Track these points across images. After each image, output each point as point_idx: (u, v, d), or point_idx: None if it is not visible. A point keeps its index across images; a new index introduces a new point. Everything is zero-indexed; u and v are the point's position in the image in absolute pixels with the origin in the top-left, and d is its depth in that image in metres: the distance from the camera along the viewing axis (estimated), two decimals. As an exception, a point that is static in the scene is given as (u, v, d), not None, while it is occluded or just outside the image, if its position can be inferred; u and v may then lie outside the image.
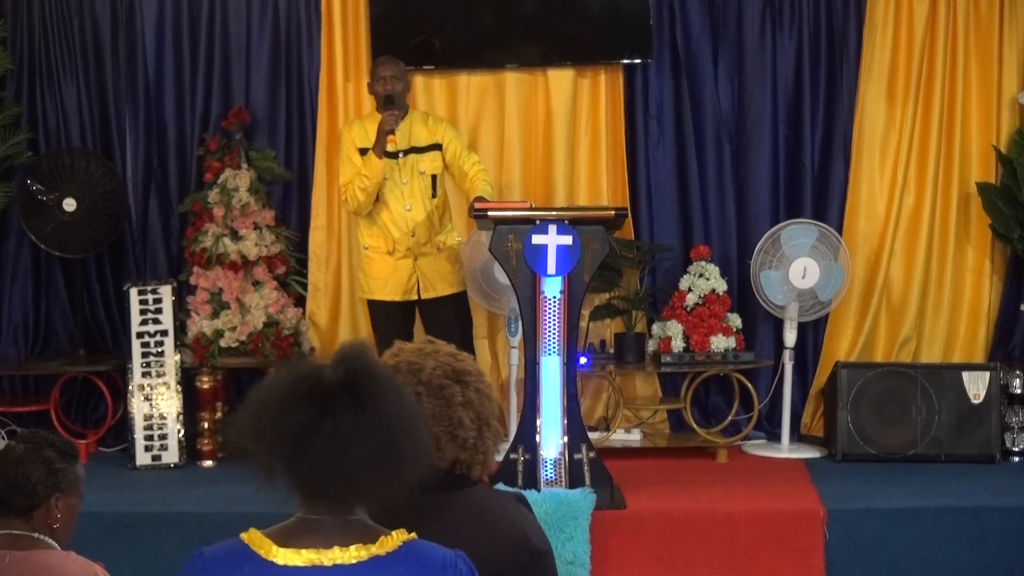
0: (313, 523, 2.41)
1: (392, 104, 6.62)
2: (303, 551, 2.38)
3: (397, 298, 6.79)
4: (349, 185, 6.66)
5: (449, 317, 6.81)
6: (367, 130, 6.72)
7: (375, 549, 2.39)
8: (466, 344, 6.82)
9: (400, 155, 6.71)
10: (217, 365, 7.24)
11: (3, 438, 7.46)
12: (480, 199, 6.39)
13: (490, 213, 6.17)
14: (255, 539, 2.41)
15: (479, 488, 3.01)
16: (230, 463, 7.26)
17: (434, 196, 6.78)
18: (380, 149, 6.56)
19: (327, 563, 2.37)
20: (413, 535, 2.44)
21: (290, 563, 2.37)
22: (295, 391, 2.37)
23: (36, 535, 3.54)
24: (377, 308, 6.86)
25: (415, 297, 6.79)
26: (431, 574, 2.42)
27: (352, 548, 2.38)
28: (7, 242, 7.78)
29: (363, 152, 6.66)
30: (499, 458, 6.38)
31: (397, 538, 2.41)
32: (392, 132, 6.55)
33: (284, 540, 2.40)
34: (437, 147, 6.79)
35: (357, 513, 2.44)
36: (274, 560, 2.38)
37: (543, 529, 3.08)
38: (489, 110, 7.68)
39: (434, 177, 6.78)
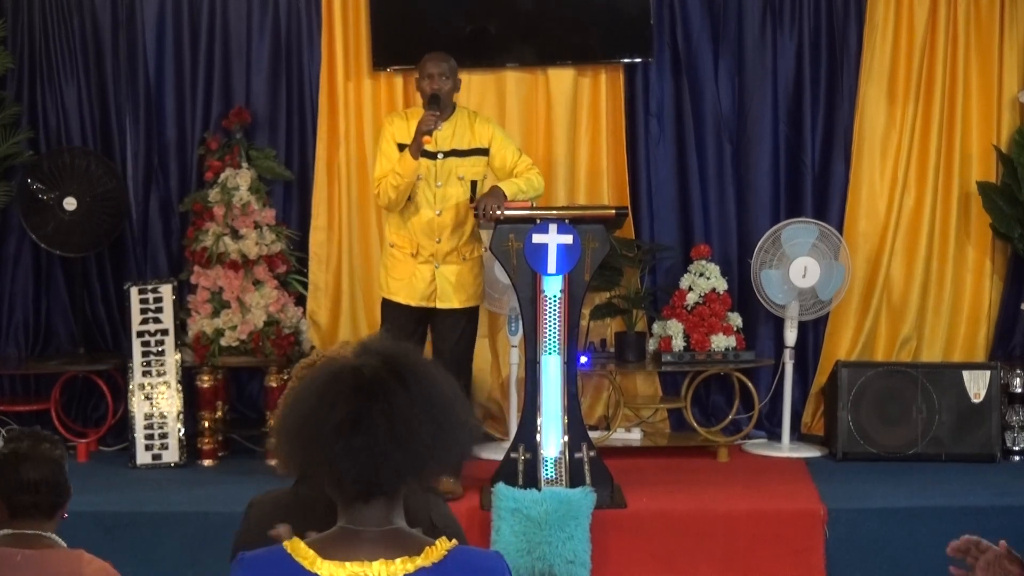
0: (356, 534, 2.39)
1: (437, 104, 6.35)
2: (347, 564, 2.35)
3: (413, 303, 6.52)
4: (383, 180, 6.40)
5: (456, 332, 6.56)
6: (409, 125, 6.44)
7: (421, 561, 2.37)
8: (466, 362, 6.62)
9: (439, 156, 6.46)
10: (217, 364, 7.24)
11: (2, 437, 7.47)
12: (493, 189, 6.32)
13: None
14: (299, 549, 2.38)
15: None
16: (230, 463, 7.27)
17: (471, 203, 6.47)
18: (416, 149, 6.29)
19: None
20: (455, 542, 2.42)
21: None
22: (339, 385, 2.36)
23: (45, 533, 3.55)
24: (392, 309, 6.59)
25: (431, 305, 6.53)
26: None
27: (398, 561, 2.36)
28: (7, 241, 7.78)
29: (402, 148, 6.39)
30: (499, 457, 6.40)
31: (441, 547, 2.39)
32: (429, 134, 6.26)
33: (327, 552, 2.37)
34: (482, 152, 6.55)
35: (396, 521, 2.42)
36: (318, 573, 2.35)
37: (454, 515, 3.19)
38: (490, 109, 7.66)
39: (474, 183, 6.51)
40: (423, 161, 6.37)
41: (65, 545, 3.58)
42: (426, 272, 6.50)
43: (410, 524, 2.48)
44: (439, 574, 2.36)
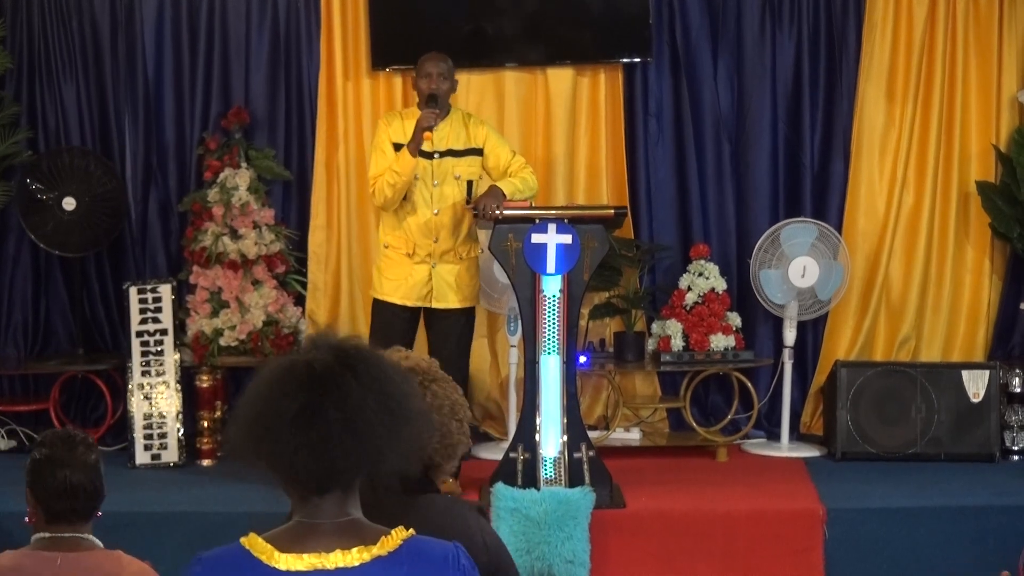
0: (313, 527, 2.40)
1: (435, 103, 6.36)
2: (305, 556, 2.36)
3: (408, 303, 6.51)
4: (379, 179, 6.39)
5: (453, 332, 6.55)
6: (405, 126, 6.46)
7: (376, 550, 2.38)
8: (462, 363, 6.59)
9: (435, 156, 6.46)
10: (216, 364, 7.24)
11: (3, 437, 7.48)
12: (491, 189, 6.33)
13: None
14: (256, 544, 2.39)
15: (440, 496, 3.05)
16: (230, 462, 7.27)
17: (468, 203, 6.50)
18: (415, 147, 6.31)
19: (330, 567, 2.36)
20: (412, 532, 2.43)
21: (292, 568, 2.36)
22: (292, 379, 2.37)
23: (83, 535, 3.55)
24: (384, 310, 6.56)
25: (425, 305, 6.53)
26: (434, 568, 2.41)
27: (354, 550, 2.37)
28: (6, 241, 7.78)
29: (397, 148, 6.40)
30: (498, 456, 6.40)
31: (397, 537, 2.41)
32: (430, 130, 6.29)
33: (285, 545, 2.38)
34: (477, 152, 6.56)
35: (352, 512, 2.43)
36: (276, 566, 2.36)
37: (499, 537, 3.18)
38: (489, 109, 7.67)
39: (470, 183, 6.54)
40: (420, 161, 6.38)
41: (102, 545, 3.59)
42: (422, 272, 6.49)
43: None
44: (395, 563, 2.38)
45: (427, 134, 6.29)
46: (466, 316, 6.63)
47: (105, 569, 3.49)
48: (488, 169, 6.61)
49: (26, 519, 3.63)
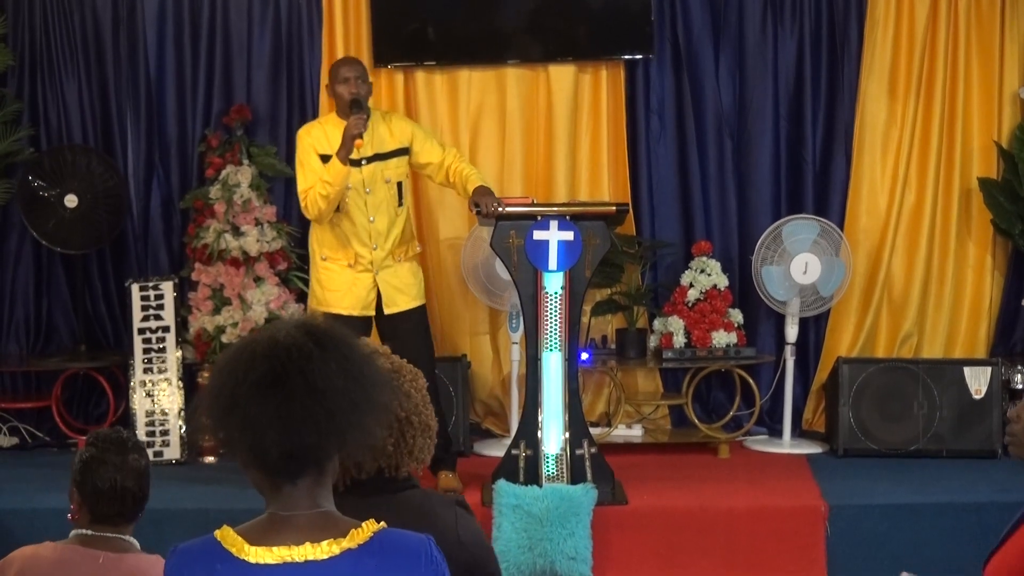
0: (284, 519, 2.40)
1: (359, 108, 6.23)
2: (275, 548, 2.37)
3: (355, 313, 6.41)
4: (310, 191, 6.25)
5: (412, 332, 6.44)
6: (328, 134, 6.35)
7: (346, 543, 2.38)
8: (429, 357, 6.47)
9: (363, 163, 6.35)
10: (218, 361, 7.23)
11: (5, 434, 7.48)
12: (484, 192, 6.29)
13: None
14: (228, 537, 2.40)
15: (416, 491, 3.03)
16: (232, 460, 7.26)
17: (400, 205, 6.47)
18: (345, 155, 6.16)
19: (299, 559, 2.36)
20: (383, 524, 2.43)
21: (262, 561, 2.37)
22: (255, 349, 2.37)
23: (124, 536, 3.57)
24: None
25: (373, 312, 6.44)
26: (404, 561, 2.41)
27: (324, 543, 2.37)
28: (8, 239, 7.78)
29: (324, 159, 6.27)
30: (500, 453, 6.40)
31: (367, 529, 2.40)
32: (360, 137, 6.16)
33: (256, 538, 2.39)
34: (403, 152, 6.47)
35: (324, 505, 2.44)
36: (246, 559, 2.37)
37: (481, 531, 3.13)
38: (490, 106, 7.67)
39: (399, 184, 6.47)
40: (349, 168, 6.26)
41: (139, 548, 3.60)
42: (366, 280, 6.41)
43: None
44: (364, 555, 2.38)
45: (358, 141, 6.18)
46: (419, 313, 6.55)
47: (144, 572, 3.50)
48: (420, 166, 6.55)
49: (69, 516, 3.64)
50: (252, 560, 2.37)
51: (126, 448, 3.61)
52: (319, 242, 6.51)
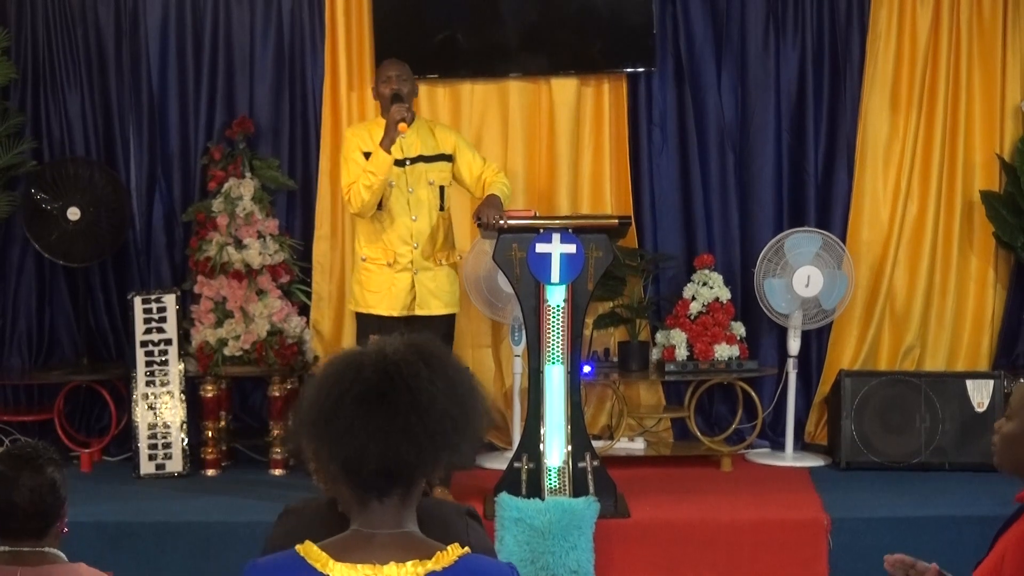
0: (368, 537, 2.39)
1: (400, 100, 6.30)
2: (359, 566, 2.35)
3: (394, 313, 6.45)
4: (353, 185, 6.33)
5: (440, 339, 6.45)
6: (372, 134, 6.43)
7: (431, 565, 2.36)
8: None
9: (407, 163, 6.43)
10: (221, 374, 7.24)
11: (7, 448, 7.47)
12: (490, 199, 6.31)
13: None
14: (311, 552, 2.37)
15: (427, 499, 3.03)
16: (233, 473, 7.28)
17: (441, 208, 6.52)
18: (388, 142, 6.23)
19: None
20: (467, 549, 2.41)
21: None
22: (362, 361, 2.37)
23: (45, 549, 3.53)
24: (368, 322, 6.49)
25: (412, 313, 6.47)
26: None
27: (408, 564, 2.35)
28: (11, 251, 7.79)
29: (367, 156, 6.34)
30: (503, 466, 6.40)
31: (453, 553, 2.38)
32: (405, 121, 6.20)
33: (340, 554, 2.37)
34: (445, 158, 6.54)
35: (408, 525, 2.43)
36: (330, 574, 2.35)
37: (490, 542, 3.11)
38: (493, 119, 7.68)
39: (442, 188, 6.53)
40: (392, 168, 6.33)
41: (65, 559, 3.57)
42: (404, 280, 6.45)
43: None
44: None
45: (401, 126, 6.21)
46: (448, 322, 6.58)
47: None
48: (460, 176, 6.59)
49: None
50: None
51: (20, 463, 3.55)
52: (360, 242, 6.56)
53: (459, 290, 6.70)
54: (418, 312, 6.46)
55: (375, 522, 2.40)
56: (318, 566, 2.35)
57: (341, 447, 2.35)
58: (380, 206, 6.41)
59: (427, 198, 6.47)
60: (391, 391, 2.32)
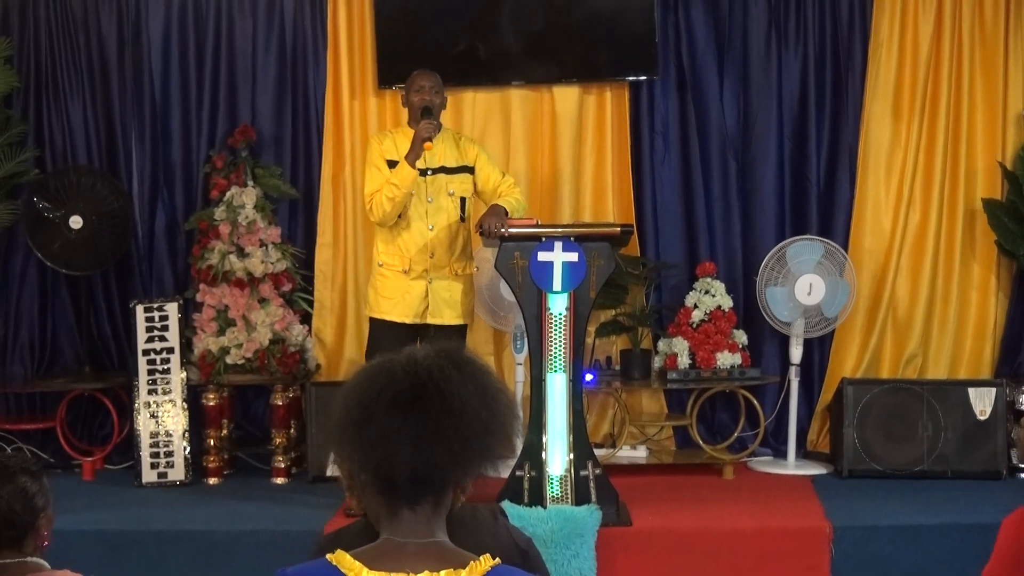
0: (400, 546, 2.38)
1: (430, 114, 6.38)
2: (394, 575, 2.34)
3: (407, 320, 6.49)
4: (376, 194, 6.37)
5: None
6: (397, 143, 6.49)
7: (465, 574, 2.35)
8: None
9: (429, 173, 6.46)
10: (223, 382, 7.24)
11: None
12: (494, 208, 6.33)
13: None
14: (344, 561, 2.36)
15: (461, 506, 3.04)
16: (236, 480, 7.28)
17: (462, 220, 6.54)
18: (414, 157, 6.29)
19: None
20: (498, 560, 2.40)
21: None
22: (394, 367, 2.37)
23: (27, 559, 3.52)
24: (381, 328, 6.55)
25: (424, 321, 6.51)
26: None
27: (442, 573, 2.35)
28: (13, 260, 7.80)
29: (391, 165, 6.40)
30: (505, 474, 6.39)
31: (485, 564, 2.37)
32: (430, 140, 6.30)
33: (373, 563, 2.36)
34: (467, 170, 6.58)
35: (439, 535, 2.42)
36: None
37: (523, 534, 3.16)
38: (495, 127, 7.69)
39: (463, 200, 6.55)
40: (416, 177, 6.37)
41: (49, 567, 3.56)
42: (419, 288, 6.49)
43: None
44: None
45: (427, 144, 6.29)
46: (460, 333, 6.60)
47: None
48: (478, 188, 6.63)
49: None
50: None
51: None
52: (378, 248, 6.60)
53: (472, 303, 6.72)
54: (430, 320, 6.50)
55: (406, 531, 2.39)
56: (351, 575, 2.34)
57: (373, 453, 2.35)
58: (399, 214, 6.44)
59: (446, 208, 6.50)
60: (423, 394, 2.33)
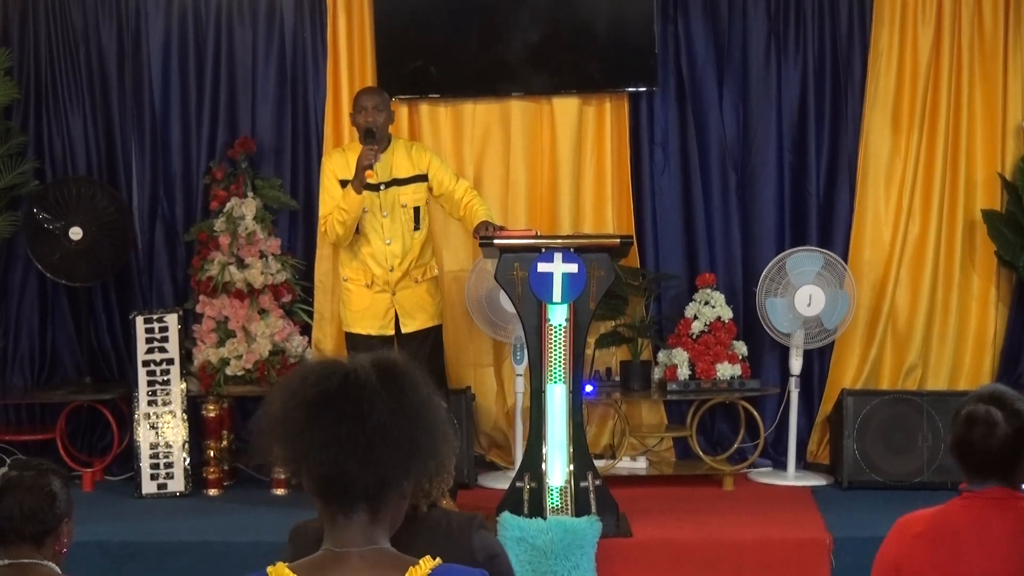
0: (339, 556, 2.35)
1: (372, 138, 6.48)
2: None
3: (374, 332, 6.68)
4: (328, 217, 6.58)
5: (424, 351, 6.66)
6: (348, 160, 6.61)
7: None
8: (441, 377, 6.84)
9: (381, 187, 6.61)
10: (223, 393, 7.24)
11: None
12: (486, 224, 6.43)
13: (496, 241, 6.19)
14: (282, 574, 2.35)
15: (434, 510, 3.03)
16: (236, 492, 7.27)
17: (416, 229, 6.71)
18: (359, 184, 6.46)
19: None
20: (439, 560, 2.37)
21: None
22: (318, 369, 2.35)
23: (43, 562, 3.55)
24: (355, 341, 6.72)
25: (392, 332, 6.68)
26: None
27: None
28: (13, 271, 7.80)
29: (344, 184, 6.56)
30: (505, 486, 6.39)
31: (425, 566, 2.35)
32: (371, 167, 6.44)
33: (312, 575, 2.34)
34: (421, 178, 6.73)
35: (380, 541, 2.38)
36: None
37: (499, 546, 3.21)
38: (494, 138, 7.69)
39: (416, 209, 6.72)
40: (367, 193, 6.53)
41: (60, 573, 3.58)
42: (383, 301, 6.67)
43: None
44: None
45: (368, 172, 6.43)
46: (435, 333, 6.83)
47: None
48: (435, 194, 6.80)
49: None
50: None
51: (25, 467, 3.59)
52: (342, 263, 6.82)
53: (442, 301, 6.93)
54: (405, 330, 6.69)
55: (344, 540, 2.36)
56: None
57: (290, 451, 2.33)
58: (356, 229, 6.62)
59: (401, 221, 6.67)
60: (336, 399, 2.29)
